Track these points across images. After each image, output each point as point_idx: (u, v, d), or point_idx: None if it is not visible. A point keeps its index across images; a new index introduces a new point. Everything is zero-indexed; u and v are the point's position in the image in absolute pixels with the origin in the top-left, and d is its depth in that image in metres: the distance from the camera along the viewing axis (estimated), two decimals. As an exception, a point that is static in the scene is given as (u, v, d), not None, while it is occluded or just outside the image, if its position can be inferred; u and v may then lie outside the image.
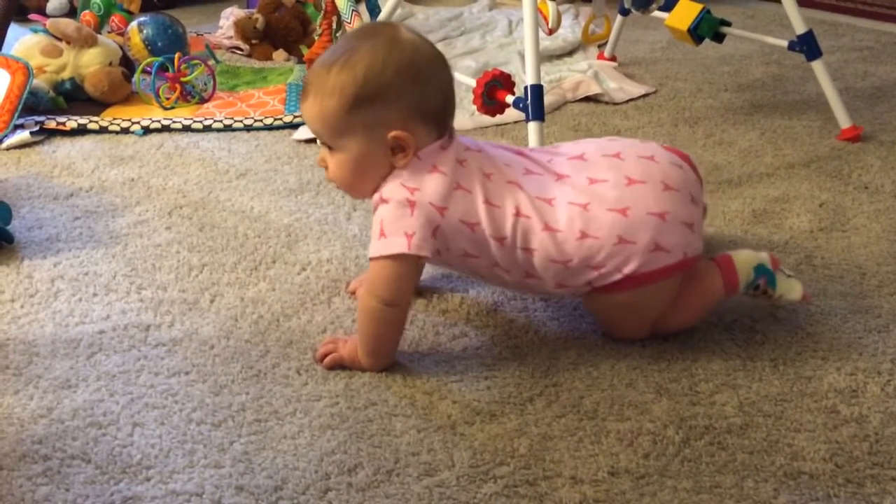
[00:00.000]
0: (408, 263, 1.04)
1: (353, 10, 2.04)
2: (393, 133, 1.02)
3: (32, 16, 2.39)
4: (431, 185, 1.03)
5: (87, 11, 2.32)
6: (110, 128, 1.85)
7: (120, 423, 0.98)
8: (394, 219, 1.03)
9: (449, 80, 1.07)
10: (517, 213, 1.04)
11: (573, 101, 2.03)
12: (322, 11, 2.20)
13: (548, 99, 1.90)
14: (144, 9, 2.39)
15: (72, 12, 2.66)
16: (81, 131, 1.84)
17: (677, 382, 1.05)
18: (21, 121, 1.82)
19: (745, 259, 1.12)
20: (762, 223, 1.45)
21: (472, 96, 1.53)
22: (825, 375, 1.07)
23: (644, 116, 1.95)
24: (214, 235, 1.41)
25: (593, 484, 0.90)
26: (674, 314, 1.11)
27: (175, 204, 1.52)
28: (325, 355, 1.08)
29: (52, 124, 1.83)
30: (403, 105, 1.02)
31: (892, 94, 2.08)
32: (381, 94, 1.01)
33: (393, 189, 1.03)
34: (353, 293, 1.24)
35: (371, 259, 1.04)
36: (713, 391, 1.04)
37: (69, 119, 1.86)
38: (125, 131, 1.84)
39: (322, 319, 1.18)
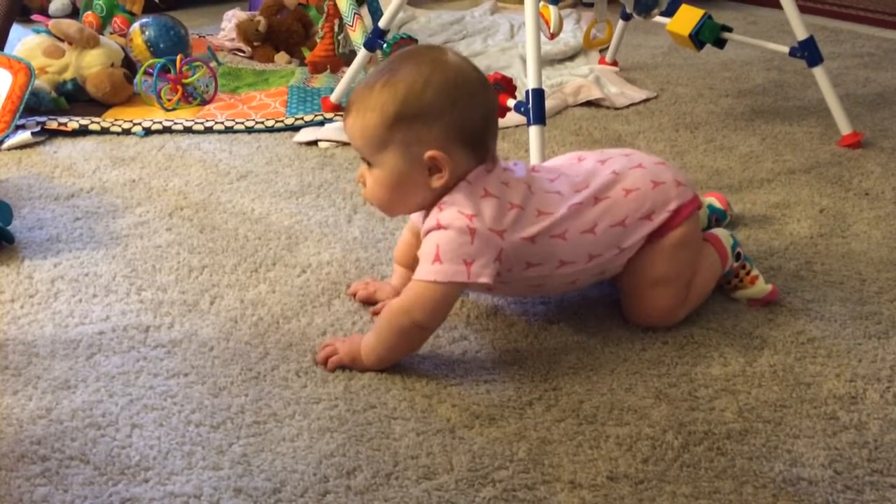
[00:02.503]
0: (455, 290, 1.06)
1: (355, 13, 2.05)
2: (429, 153, 1.03)
3: (35, 16, 2.40)
4: (487, 211, 1.05)
5: (89, 12, 2.32)
6: (112, 129, 1.85)
7: (119, 425, 0.98)
8: (454, 246, 1.03)
9: (492, 104, 1.09)
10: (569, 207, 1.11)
11: (574, 106, 2.04)
12: (324, 14, 2.21)
13: (549, 103, 1.90)
14: (147, 10, 2.40)
15: (74, 13, 2.67)
16: (83, 132, 1.84)
17: (676, 387, 1.05)
18: (22, 121, 1.82)
19: (722, 231, 1.25)
20: (762, 229, 1.45)
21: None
22: (824, 382, 1.07)
23: (645, 121, 1.95)
24: (215, 237, 1.41)
25: (592, 489, 0.90)
26: (694, 283, 1.17)
27: (176, 205, 1.52)
28: (326, 358, 1.08)
29: (53, 125, 1.84)
30: (442, 126, 1.03)
31: (892, 101, 2.09)
32: (421, 114, 1.03)
33: (451, 216, 1.04)
34: (354, 295, 1.24)
35: (416, 280, 1.04)
36: (712, 396, 1.04)
37: (70, 120, 1.86)
38: (126, 132, 1.85)
39: (322, 322, 1.18)
